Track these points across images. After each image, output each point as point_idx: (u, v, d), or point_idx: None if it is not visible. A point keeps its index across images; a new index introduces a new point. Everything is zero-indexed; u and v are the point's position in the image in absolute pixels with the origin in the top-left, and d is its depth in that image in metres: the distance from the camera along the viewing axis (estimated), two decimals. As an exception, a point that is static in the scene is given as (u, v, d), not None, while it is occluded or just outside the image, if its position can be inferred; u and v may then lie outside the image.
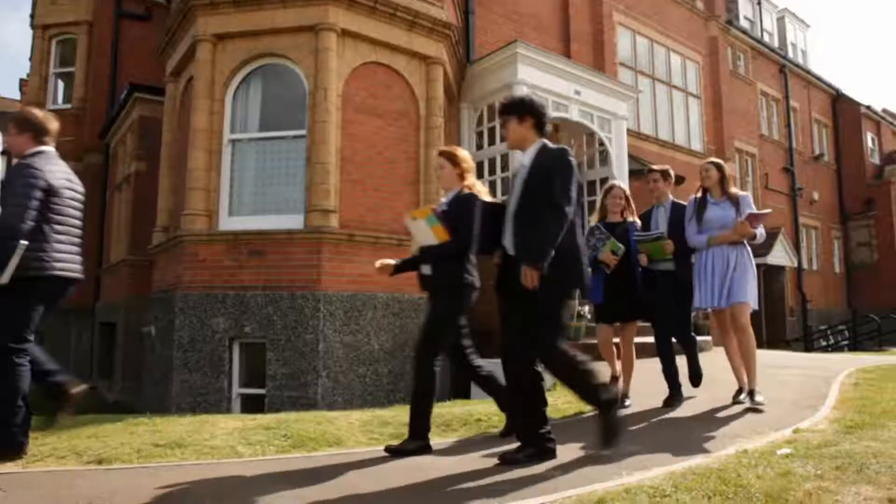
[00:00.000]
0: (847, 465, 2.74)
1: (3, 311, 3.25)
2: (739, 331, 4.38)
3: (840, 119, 22.06)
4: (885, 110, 23.83)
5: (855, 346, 17.15)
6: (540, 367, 3.21)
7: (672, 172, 5.07)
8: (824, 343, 18.03)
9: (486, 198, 3.60)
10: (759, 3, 19.71)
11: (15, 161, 3.43)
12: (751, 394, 4.42)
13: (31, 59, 13.39)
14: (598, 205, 5.15)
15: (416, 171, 7.28)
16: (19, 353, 3.27)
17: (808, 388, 5.27)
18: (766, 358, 7.69)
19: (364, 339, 6.43)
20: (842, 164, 21.92)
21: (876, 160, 22.28)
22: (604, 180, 9.20)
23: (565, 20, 11.77)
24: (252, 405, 6.17)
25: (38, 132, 3.48)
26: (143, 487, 2.81)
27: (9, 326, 3.26)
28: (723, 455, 3.09)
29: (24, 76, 19.51)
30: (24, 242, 3.13)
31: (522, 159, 3.34)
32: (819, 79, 21.36)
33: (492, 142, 9.13)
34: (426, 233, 3.50)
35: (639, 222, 4.93)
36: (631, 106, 11.21)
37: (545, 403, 3.23)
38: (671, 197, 4.97)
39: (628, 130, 10.78)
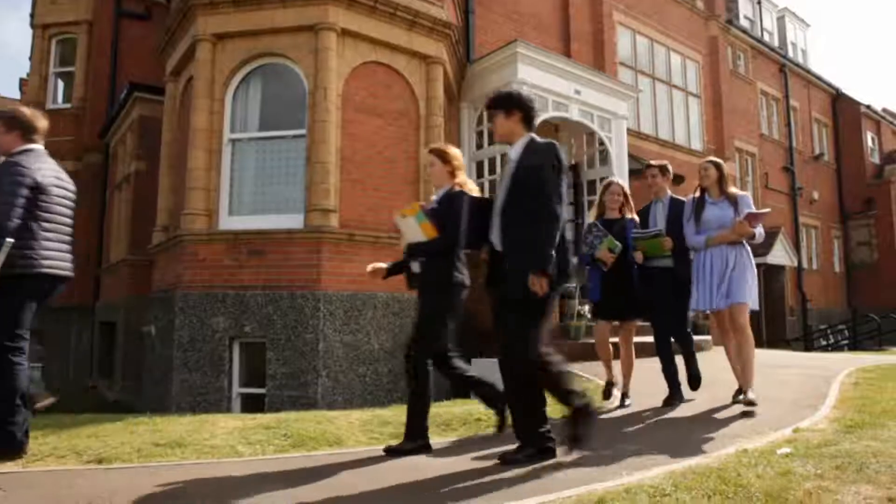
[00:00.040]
0: (847, 465, 2.74)
1: None
2: (738, 331, 4.33)
3: (840, 118, 22.06)
4: (885, 110, 23.84)
5: (855, 346, 17.15)
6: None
7: (670, 167, 5.03)
8: (824, 342, 18.04)
9: (476, 195, 3.57)
10: (759, 3, 19.70)
11: (2, 159, 3.42)
12: (744, 395, 4.39)
13: (30, 59, 13.40)
14: (596, 201, 5.12)
15: (416, 171, 7.28)
16: (15, 351, 3.27)
17: (808, 388, 5.27)
18: (766, 357, 7.70)
19: (364, 338, 6.43)
20: (842, 163, 21.91)
21: (876, 159, 22.28)
22: (603, 180, 9.19)
23: (565, 20, 11.77)
24: (252, 405, 6.18)
25: (26, 130, 3.47)
26: (144, 487, 2.81)
27: (1, 326, 3.26)
28: (723, 454, 3.09)
29: (24, 76, 19.51)
30: (10, 240, 3.13)
31: (510, 153, 3.32)
32: (819, 78, 21.36)
33: (492, 141, 9.12)
34: (415, 230, 3.49)
35: (637, 219, 4.90)
36: (631, 105, 11.21)
37: (545, 402, 3.20)
38: (669, 192, 4.93)
39: (628, 130, 10.78)
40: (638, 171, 10.15)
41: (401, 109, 7.30)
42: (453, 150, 3.71)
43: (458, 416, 4.30)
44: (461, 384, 3.73)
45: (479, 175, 9.15)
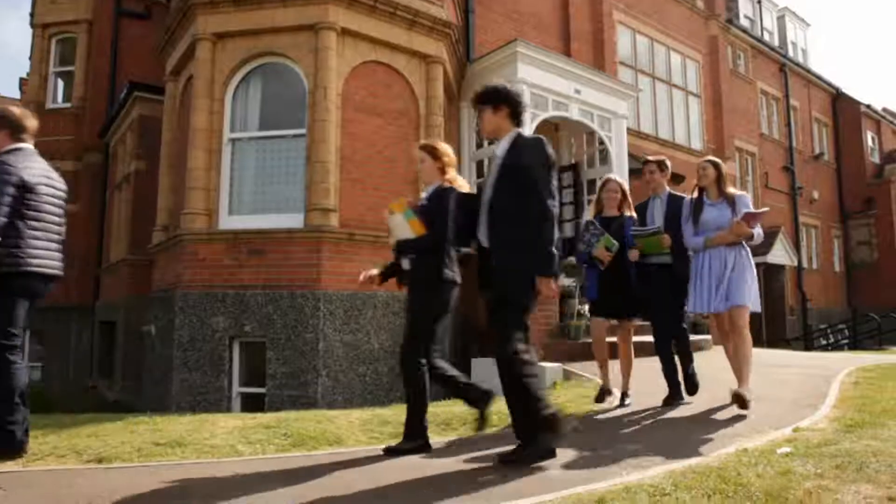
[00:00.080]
0: (847, 464, 2.74)
1: None
2: (736, 333, 4.26)
3: (840, 118, 22.06)
4: (885, 109, 23.83)
5: (855, 345, 17.15)
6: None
7: (668, 163, 4.97)
8: (824, 342, 18.04)
9: (466, 191, 3.54)
10: (759, 2, 19.70)
11: None
12: (737, 388, 4.29)
13: (30, 58, 13.40)
14: (594, 198, 5.08)
15: (416, 171, 7.25)
16: (11, 349, 3.28)
17: (808, 387, 5.27)
18: (765, 357, 7.70)
19: (364, 337, 6.43)
20: (842, 162, 21.92)
21: (876, 159, 22.29)
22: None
23: (565, 19, 11.77)
24: (252, 404, 6.18)
25: (14, 129, 3.47)
26: (144, 486, 2.81)
27: None
28: (723, 454, 3.09)
29: (24, 75, 19.52)
30: None
31: (496, 150, 3.30)
32: (819, 78, 21.36)
33: (492, 140, 9.10)
34: (403, 227, 3.47)
35: (636, 216, 4.84)
36: (631, 105, 11.21)
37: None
38: (667, 189, 4.88)
39: (628, 129, 10.77)
40: (638, 170, 10.13)
41: (401, 109, 7.30)
42: (443, 147, 3.67)
43: (458, 416, 4.30)
44: (441, 384, 3.65)
45: (479, 175, 9.13)
